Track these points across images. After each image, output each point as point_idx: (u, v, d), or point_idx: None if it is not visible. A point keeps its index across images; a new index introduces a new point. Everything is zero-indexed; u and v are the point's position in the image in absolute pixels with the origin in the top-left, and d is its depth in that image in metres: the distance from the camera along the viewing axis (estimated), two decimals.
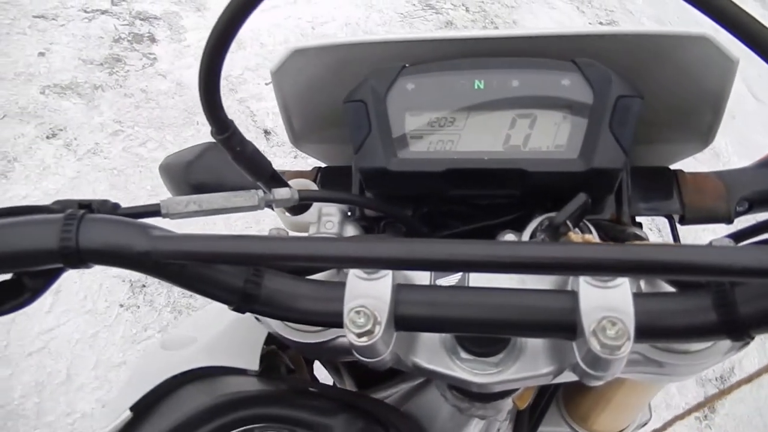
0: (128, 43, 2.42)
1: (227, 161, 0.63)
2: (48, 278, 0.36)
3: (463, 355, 0.38)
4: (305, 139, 0.58)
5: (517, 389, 0.43)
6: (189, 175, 0.62)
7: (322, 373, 0.71)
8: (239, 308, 0.37)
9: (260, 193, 0.41)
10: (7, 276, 0.36)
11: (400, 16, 2.96)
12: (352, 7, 2.91)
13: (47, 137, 2.04)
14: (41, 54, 2.25)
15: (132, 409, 0.44)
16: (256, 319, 0.45)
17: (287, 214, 0.50)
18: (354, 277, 0.35)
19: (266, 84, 2.46)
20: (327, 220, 0.48)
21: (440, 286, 0.37)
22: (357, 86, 0.47)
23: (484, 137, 0.44)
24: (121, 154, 2.08)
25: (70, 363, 1.64)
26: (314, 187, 0.53)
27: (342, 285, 0.35)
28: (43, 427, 1.54)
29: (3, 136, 2.00)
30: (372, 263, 0.31)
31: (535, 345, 0.37)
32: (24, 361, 1.61)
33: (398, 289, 0.34)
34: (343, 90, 0.50)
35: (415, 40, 0.47)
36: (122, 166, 2.05)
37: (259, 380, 0.47)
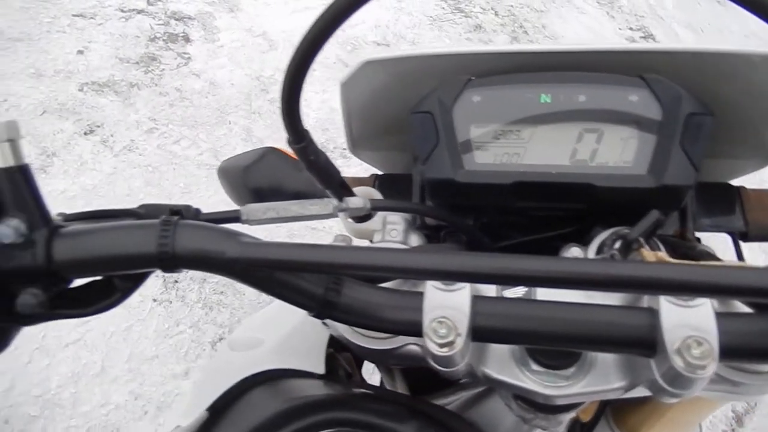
0: (163, 42, 2.45)
1: (284, 166, 0.64)
2: (137, 280, 0.38)
3: (534, 366, 0.38)
4: (363, 146, 0.58)
5: (584, 402, 0.43)
6: (247, 179, 0.63)
7: (367, 375, 0.72)
8: (319, 315, 0.37)
9: (334, 201, 0.42)
10: (99, 276, 0.37)
11: (429, 19, 2.96)
12: (382, 10, 2.91)
13: (85, 133, 2.08)
14: (80, 52, 2.29)
15: (209, 410, 0.45)
16: (323, 323, 0.45)
17: (350, 220, 0.51)
18: (432, 287, 0.35)
19: None
20: (392, 228, 0.49)
21: (519, 299, 0.37)
22: (424, 98, 0.47)
23: (551, 151, 0.44)
24: (156, 151, 2.11)
25: (105, 355, 1.67)
26: (377, 195, 0.53)
27: (419, 295, 0.36)
28: (78, 417, 1.57)
29: (42, 131, 2.04)
30: (459, 277, 0.32)
31: (606, 359, 0.38)
32: (61, 352, 1.65)
33: (476, 300, 0.35)
34: (406, 99, 0.51)
35: (482, 52, 0.47)
36: (157, 163, 2.08)
37: (326, 384, 0.48)
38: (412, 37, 2.84)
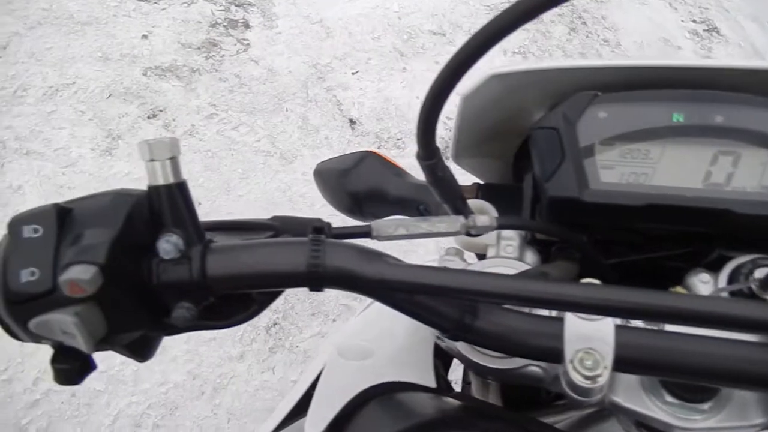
0: (224, 28, 2.46)
1: (384, 171, 0.63)
2: (275, 294, 0.39)
3: (668, 398, 0.37)
4: (467, 154, 0.57)
5: None
6: (347, 183, 0.62)
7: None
8: (454, 336, 0.37)
9: (461, 219, 0.41)
10: (208, 302, 0.37)
11: (486, 8, 2.90)
12: None
13: (148, 117, 2.11)
14: (144, 36, 2.33)
15: (334, 421, 0.45)
16: (437, 337, 0.46)
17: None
18: (573, 315, 0.35)
19: (353, 73, 2.47)
20: (507, 244, 0.48)
21: (661, 331, 0.36)
22: (548, 113, 0.46)
23: (682, 172, 0.42)
24: (215, 137, 2.13)
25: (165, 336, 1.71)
26: (490, 208, 0.52)
27: (558, 321, 0.35)
28: (139, 394, 1.61)
29: (108, 114, 2.08)
30: (609, 312, 0.31)
31: (744, 394, 0.36)
32: None
33: (619, 331, 0.34)
34: (521, 111, 0.49)
35: (610, 66, 0.45)
36: (216, 149, 2.10)
37: (444, 399, 0.47)
38: (468, 27, 2.79)
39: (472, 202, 0.50)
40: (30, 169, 1.89)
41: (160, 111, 2.14)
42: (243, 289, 0.36)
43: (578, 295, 0.31)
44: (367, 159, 0.63)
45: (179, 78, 2.25)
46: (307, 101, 2.32)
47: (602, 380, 0.33)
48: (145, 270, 0.34)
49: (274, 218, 0.41)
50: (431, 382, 0.50)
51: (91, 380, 1.61)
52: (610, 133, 0.43)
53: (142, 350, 0.37)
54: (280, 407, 0.61)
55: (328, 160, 0.68)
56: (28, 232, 0.32)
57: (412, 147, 2.32)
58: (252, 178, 2.07)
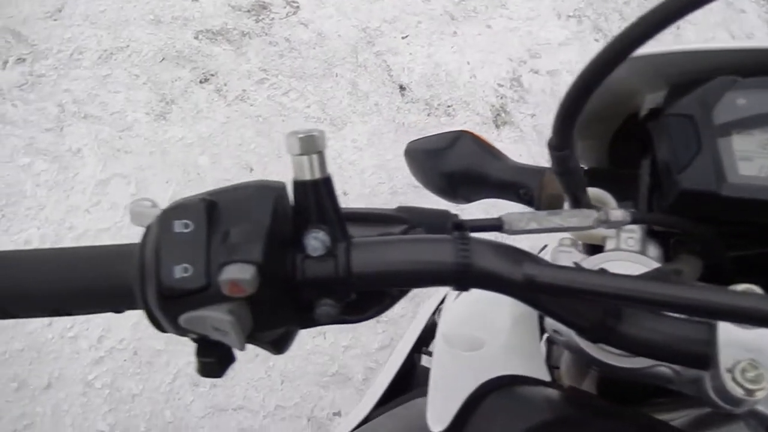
0: None
1: (480, 152, 0.61)
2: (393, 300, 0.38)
3: None
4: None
5: None
6: (440, 163, 0.61)
7: None
8: (593, 338, 0.37)
9: (593, 213, 0.40)
10: (350, 299, 0.37)
11: None
12: None
13: (200, 82, 2.11)
14: None
15: (457, 416, 0.45)
16: (553, 332, 0.45)
17: None
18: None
19: (402, 38, 2.41)
20: (629, 236, 0.47)
21: None
22: (683, 99, 0.44)
23: None
24: (266, 102, 2.12)
25: None
26: (608, 196, 0.50)
27: (706, 326, 0.34)
28: None
29: (162, 78, 2.08)
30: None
31: None
32: None
33: None
34: (632, 93, 0.47)
35: (752, 49, 0.42)
36: (267, 114, 2.09)
37: (563, 394, 0.47)
38: None
39: (591, 191, 0.49)
40: (88, 132, 1.92)
41: (212, 75, 2.13)
42: (387, 287, 0.36)
43: (745, 305, 0.30)
44: (461, 139, 0.61)
45: (230, 42, 2.23)
46: (357, 66, 2.29)
47: (762, 394, 0.32)
48: (289, 266, 0.33)
49: (400, 209, 0.40)
50: (545, 375, 0.49)
51: (151, 339, 1.66)
52: (750, 122, 0.41)
53: (281, 344, 0.37)
54: (373, 390, 0.61)
55: (418, 139, 0.67)
56: (179, 226, 0.32)
57: (463, 114, 2.27)
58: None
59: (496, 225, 0.39)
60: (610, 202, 0.50)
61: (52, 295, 0.34)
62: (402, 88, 2.28)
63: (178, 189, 1.87)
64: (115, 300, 0.34)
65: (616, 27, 2.69)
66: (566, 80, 2.62)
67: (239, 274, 0.30)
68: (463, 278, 0.33)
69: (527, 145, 2.28)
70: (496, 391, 0.46)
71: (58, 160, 1.85)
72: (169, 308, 0.32)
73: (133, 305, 0.34)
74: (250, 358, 1.68)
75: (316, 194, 0.33)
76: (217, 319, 0.31)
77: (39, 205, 1.77)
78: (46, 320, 1.62)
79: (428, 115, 2.24)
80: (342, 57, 2.29)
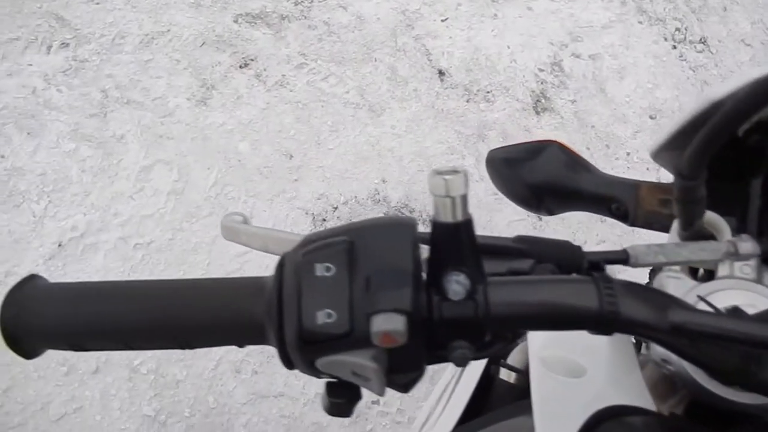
0: None
1: (570, 163, 0.58)
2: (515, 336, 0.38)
3: None
4: (672, 147, 0.51)
5: None
6: (526, 174, 0.58)
7: None
8: (732, 382, 0.36)
9: (723, 246, 0.38)
10: (484, 341, 0.36)
11: None
12: None
13: (240, 67, 2.08)
14: None
15: None
16: (662, 361, 0.44)
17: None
18: None
19: (442, 21, 2.34)
20: (744, 263, 0.44)
21: None
22: None
23: None
24: (305, 87, 2.09)
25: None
26: (725, 226, 0.47)
27: None
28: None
29: (202, 63, 2.06)
30: None
31: None
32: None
33: None
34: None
35: None
36: (306, 100, 2.06)
37: (671, 424, 0.47)
38: None
39: (707, 216, 0.46)
40: (131, 118, 1.91)
41: (252, 60, 2.10)
42: (525, 329, 0.36)
43: None
44: (549, 149, 0.58)
45: (269, 25, 2.19)
46: (396, 51, 2.23)
47: None
48: (426, 308, 0.32)
49: (519, 239, 0.39)
50: (650, 404, 0.48)
51: None
52: None
53: (410, 384, 0.35)
54: (453, 404, 0.60)
55: (501, 147, 0.65)
56: (320, 270, 0.31)
57: (503, 100, 2.21)
58: (341, 131, 2.03)
59: (622, 258, 0.38)
60: (725, 229, 0.47)
61: (177, 329, 0.34)
62: (441, 73, 2.22)
63: (219, 176, 1.86)
64: (242, 335, 0.34)
65: (661, 9, 2.58)
66: (609, 65, 2.53)
67: (392, 325, 0.29)
68: (607, 323, 0.32)
69: (567, 132, 2.21)
70: (607, 421, 0.45)
71: (102, 146, 1.85)
72: (308, 351, 0.31)
73: (262, 341, 0.34)
74: None
75: (457, 237, 0.32)
76: (360, 365, 0.30)
77: (85, 191, 1.77)
78: None
79: (467, 101, 2.18)
80: (381, 41, 2.24)
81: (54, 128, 1.85)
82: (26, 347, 0.34)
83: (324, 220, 1.87)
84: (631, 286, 0.33)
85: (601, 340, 0.53)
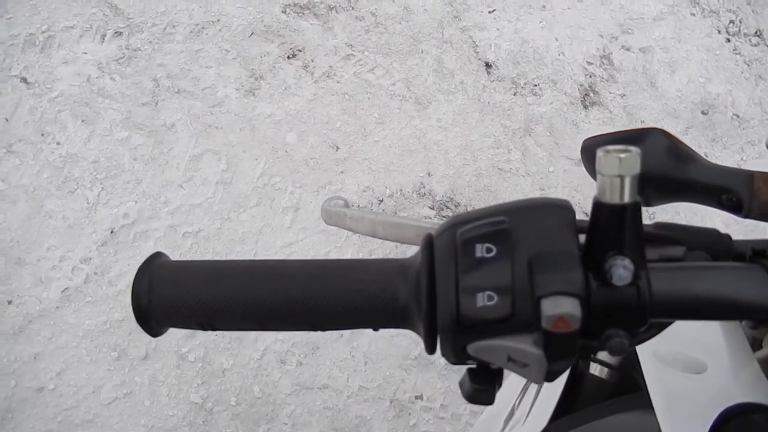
0: None
1: (676, 152, 0.51)
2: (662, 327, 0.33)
3: None
4: None
5: None
6: None
7: None
8: None
9: None
10: (641, 330, 0.32)
11: None
12: None
13: (288, 57, 2.00)
14: None
15: None
16: None
17: None
18: None
19: (489, 12, 2.21)
20: None
21: None
22: None
23: None
24: (352, 79, 1.99)
25: None
26: None
27: None
28: (284, 333, 1.60)
29: (251, 53, 1.98)
30: None
31: None
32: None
33: None
34: None
35: None
36: (353, 92, 1.97)
37: None
38: None
39: None
40: (181, 107, 1.85)
41: (299, 51, 2.02)
42: (687, 318, 0.31)
43: None
44: (652, 136, 0.50)
45: (317, 16, 2.10)
46: (443, 42, 2.12)
47: None
48: (585, 292, 0.29)
49: (659, 225, 0.35)
50: None
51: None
52: None
53: (555, 373, 0.31)
54: (544, 400, 0.56)
55: (599, 135, 0.56)
56: (480, 251, 0.29)
57: (550, 94, 2.08)
58: (387, 123, 1.94)
59: None
60: None
61: (314, 310, 0.31)
62: (488, 65, 2.10)
63: (267, 167, 1.79)
64: (381, 318, 0.31)
65: (714, 1, 2.40)
66: (660, 58, 2.37)
67: (567, 308, 0.27)
68: None
69: (617, 127, 2.08)
70: (736, 419, 0.43)
71: (153, 135, 1.79)
72: (462, 336, 0.29)
73: (403, 325, 0.31)
74: (335, 338, 1.61)
75: (624, 219, 0.28)
76: (521, 351, 0.28)
77: (136, 179, 1.73)
78: None
79: (514, 94, 2.06)
80: (428, 32, 2.13)
81: (107, 116, 1.80)
82: (155, 324, 0.33)
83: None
84: None
85: (717, 336, 0.51)
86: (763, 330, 0.53)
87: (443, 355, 0.31)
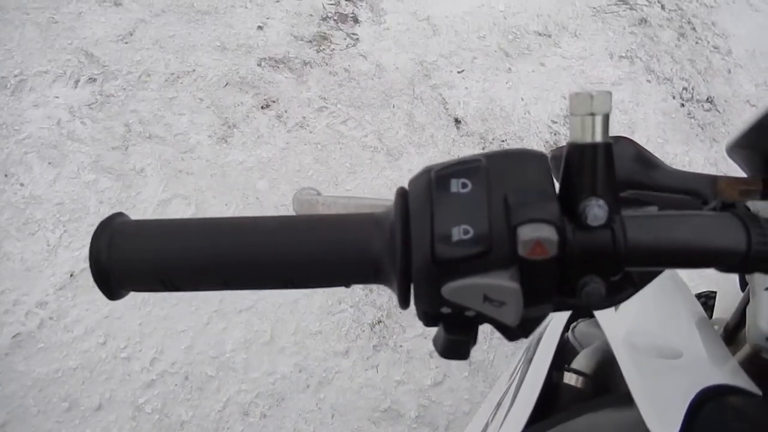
0: (334, 22, 2.34)
1: (639, 158, 0.53)
2: (653, 276, 0.32)
3: None
4: (742, 146, 0.47)
5: None
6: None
7: None
8: None
9: None
10: (661, 269, 0.32)
11: (592, 10, 2.67)
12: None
13: (262, 107, 2.03)
14: (259, 27, 2.24)
15: (686, 419, 0.40)
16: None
17: None
18: None
19: (458, 72, 2.31)
20: None
21: None
22: None
23: None
24: (325, 129, 2.02)
25: (274, 325, 1.62)
26: None
27: None
28: (248, 382, 1.54)
29: (225, 103, 2.00)
30: None
31: None
32: (236, 317, 1.61)
33: None
34: None
35: None
36: (325, 142, 1.99)
37: None
38: (574, 28, 2.58)
39: None
40: (152, 152, 1.84)
41: (273, 102, 2.05)
42: (662, 265, 0.31)
43: None
44: (619, 144, 0.52)
45: (291, 70, 2.15)
46: (414, 98, 2.18)
47: None
48: (560, 236, 0.28)
49: (631, 193, 0.36)
50: (752, 387, 0.45)
51: (203, 364, 1.55)
52: None
53: (527, 326, 0.31)
54: (517, 410, 0.55)
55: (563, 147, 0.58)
56: (456, 186, 0.28)
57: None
58: (359, 173, 1.96)
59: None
60: None
61: (282, 265, 0.30)
62: (457, 121, 2.17)
63: (236, 212, 1.77)
64: (353, 272, 0.30)
65: (668, 69, 2.56)
66: (620, 119, 2.49)
67: (544, 233, 0.26)
68: (754, 265, 0.29)
69: None
70: (712, 401, 0.43)
71: (122, 179, 1.77)
72: (437, 275, 0.27)
73: (375, 279, 0.30)
74: (301, 389, 1.55)
75: (596, 160, 0.29)
76: (497, 287, 0.27)
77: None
78: (101, 339, 1.52)
79: (483, 148, 2.12)
80: (399, 89, 2.19)
81: (75, 159, 1.77)
82: (115, 284, 0.30)
83: None
84: None
85: (690, 328, 0.51)
86: (739, 332, 0.54)
87: (417, 306, 0.29)
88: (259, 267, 0.30)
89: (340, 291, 1.71)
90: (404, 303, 0.29)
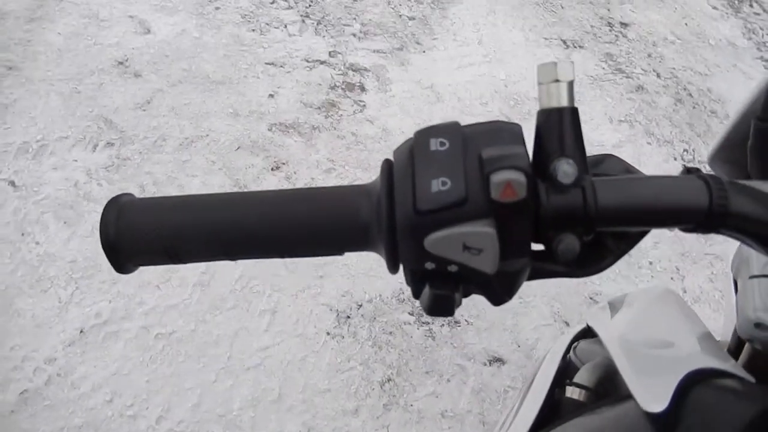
0: (342, 90, 2.48)
1: (628, 173, 0.57)
2: (632, 242, 0.35)
3: None
4: (724, 156, 0.51)
5: None
6: None
7: None
8: None
9: None
10: (631, 229, 0.35)
11: (590, 78, 2.81)
12: None
13: (272, 169, 2.11)
14: (271, 95, 2.37)
15: (675, 394, 0.42)
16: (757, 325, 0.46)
17: None
18: None
19: None
20: None
21: None
22: None
23: None
24: None
25: (282, 382, 1.62)
26: None
27: None
28: None
29: (236, 165, 2.09)
30: None
31: None
32: (243, 374, 1.62)
33: None
34: None
35: None
36: None
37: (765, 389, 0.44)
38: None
39: None
40: None
41: (283, 164, 2.14)
42: (631, 225, 0.33)
43: None
44: (608, 159, 0.56)
45: (301, 134, 2.25)
46: None
47: None
48: (534, 195, 0.31)
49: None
50: (739, 371, 0.47)
51: (210, 423, 1.54)
52: None
53: (509, 287, 0.33)
54: (518, 423, 0.57)
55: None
56: (435, 144, 0.31)
57: None
58: None
59: None
60: None
61: (279, 236, 0.33)
62: None
63: (245, 270, 1.81)
64: (344, 240, 0.33)
65: (667, 132, 2.66)
66: None
67: (513, 175, 0.29)
68: (716, 218, 0.32)
69: None
70: (700, 383, 0.45)
71: None
72: (419, 228, 0.30)
73: (367, 245, 0.33)
74: None
75: (563, 123, 0.32)
76: (474, 233, 0.29)
77: (112, 279, 1.72)
78: (107, 396, 1.52)
79: None
80: None
81: (90, 219, 1.84)
82: (123, 258, 0.33)
83: (348, 317, 1.79)
84: (744, 187, 0.32)
85: (683, 324, 0.53)
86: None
87: (404, 266, 0.32)
88: (258, 237, 0.33)
89: (348, 348, 1.72)
90: (393, 266, 0.32)
